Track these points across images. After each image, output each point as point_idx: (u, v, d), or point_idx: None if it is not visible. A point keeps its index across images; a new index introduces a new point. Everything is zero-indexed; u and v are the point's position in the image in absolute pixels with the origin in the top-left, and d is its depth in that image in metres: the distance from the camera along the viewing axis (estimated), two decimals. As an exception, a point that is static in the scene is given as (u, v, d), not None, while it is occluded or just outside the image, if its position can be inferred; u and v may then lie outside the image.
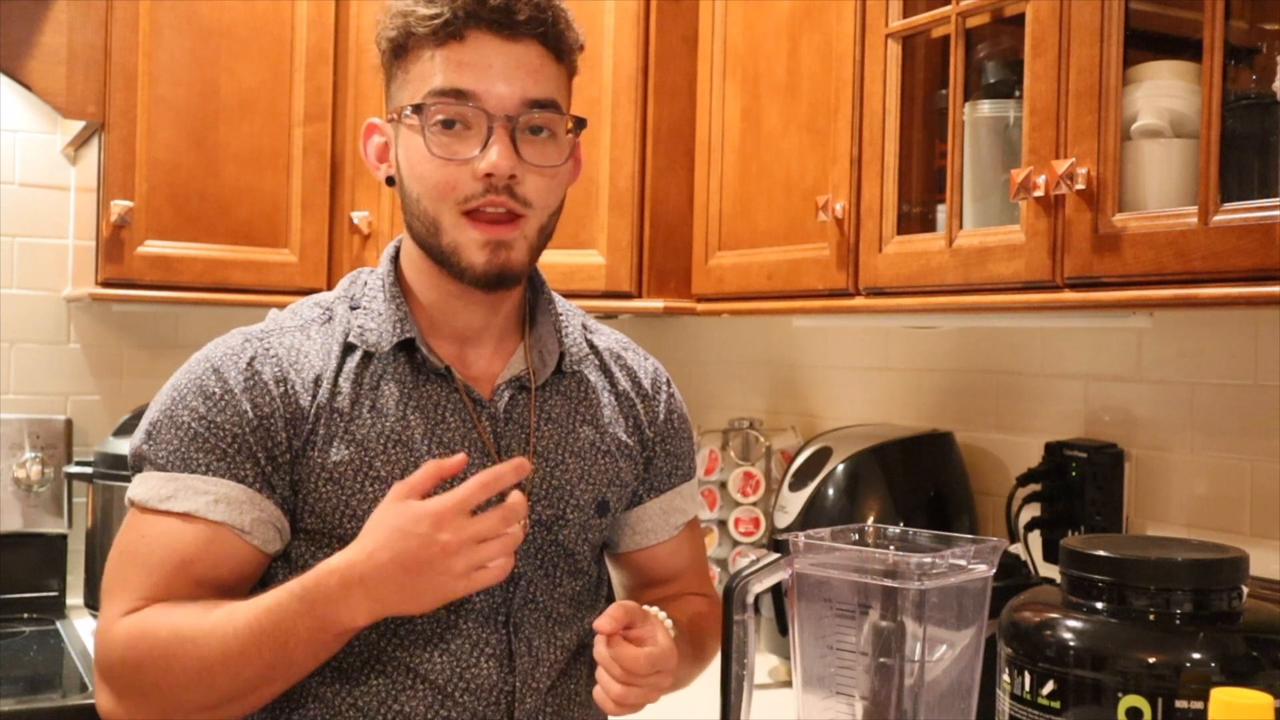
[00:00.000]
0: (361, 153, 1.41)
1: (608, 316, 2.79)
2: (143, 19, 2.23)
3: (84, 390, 2.58)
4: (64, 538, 2.51)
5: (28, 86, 2.23)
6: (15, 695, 2.02)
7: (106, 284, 2.24)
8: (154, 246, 2.24)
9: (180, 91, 2.26)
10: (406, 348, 1.34)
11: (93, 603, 2.36)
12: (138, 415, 2.40)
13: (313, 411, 1.29)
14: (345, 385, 1.31)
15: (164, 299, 2.28)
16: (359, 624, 1.19)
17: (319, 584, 1.18)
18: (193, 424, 1.26)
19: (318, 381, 1.30)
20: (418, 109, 1.29)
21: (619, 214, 2.29)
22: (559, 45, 1.32)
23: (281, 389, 1.29)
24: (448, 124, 1.28)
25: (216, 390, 1.27)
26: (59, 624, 2.41)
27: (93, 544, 2.38)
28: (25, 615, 2.45)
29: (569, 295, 2.36)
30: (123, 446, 2.33)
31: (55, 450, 2.48)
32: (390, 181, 1.37)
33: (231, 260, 2.27)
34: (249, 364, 1.29)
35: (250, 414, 1.27)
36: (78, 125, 2.37)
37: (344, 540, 1.25)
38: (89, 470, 2.37)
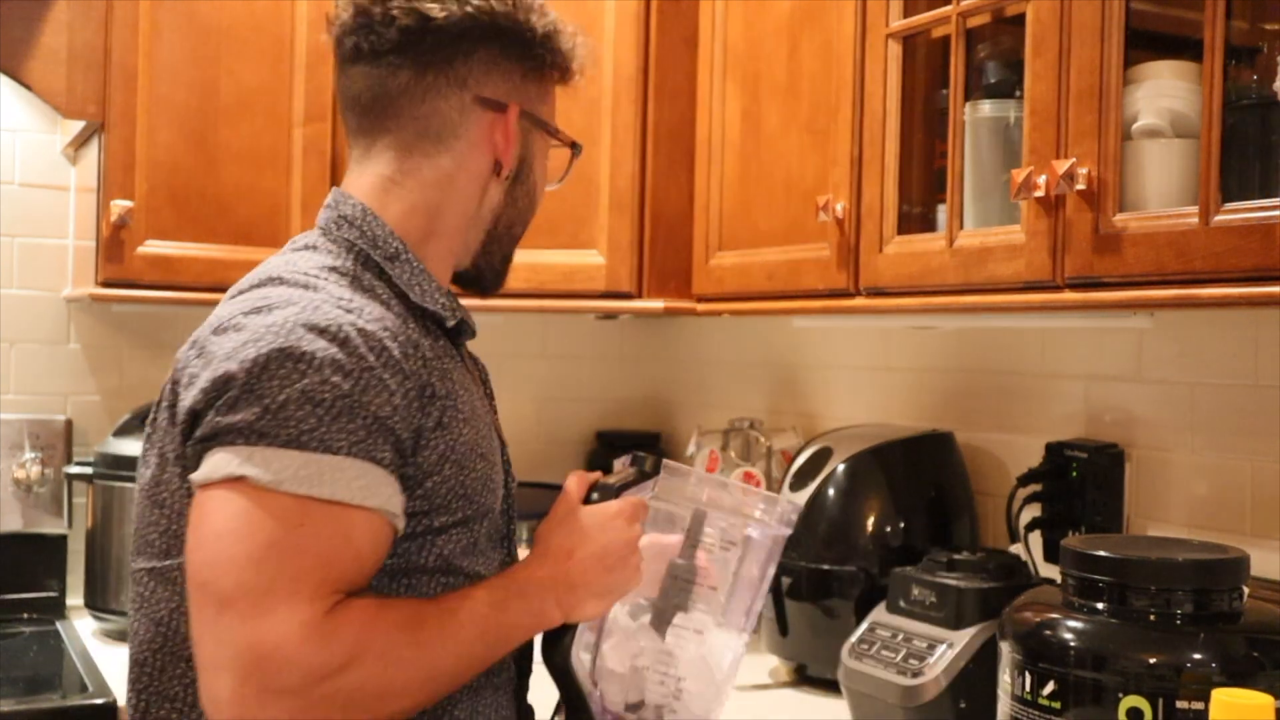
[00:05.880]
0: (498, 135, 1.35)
1: (608, 317, 2.79)
2: (143, 19, 2.23)
3: (84, 390, 2.57)
4: (64, 538, 2.51)
5: (28, 86, 2.22)
6: (15, 695, 2.02)
7: (106, 284, 2.24)
8: (154, 246, 2.24)
9: (180, 91, 2.26)
10: (434, 319, 1.31)
11: (93, 603, 2.36)
12: (138, 415, 2.40)
13: (430, 387, 1.21)
14: (434, 359, 1.24)
15: (164, 299, 2.28)
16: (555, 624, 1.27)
17: (530, 580, 1.24)
18: (336, 400, 1.12)
19: (422, 355, 1.22)
20: (575, 147, 1.41)
21: (619, 214, 2.29)
22: None
23: (410, 365, 1.19)
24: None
25: (354, 366, 1.14)
26: (59, 624, 2.41)
27: (93, 544, 2.37)
28: (25, 615, 2.45)
29: (569, 295, 2.38)
30: (123, 446, 2.33)
31: (55, 450, 2.47)
32: (497, 169, 1.35)
33: (231, 260, 2.26)
34: (375, 337, 1.17)
35: (394, 390, 1.16)
36: (78, 125, 2.36)
37: (437, 525, 1.22)
38: (89, 470, 2.37)
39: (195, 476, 1.13)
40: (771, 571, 1.40)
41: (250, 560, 1.08)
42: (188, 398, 1.17)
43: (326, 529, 1.11)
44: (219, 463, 1.11)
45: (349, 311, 1.18)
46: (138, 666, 1.24)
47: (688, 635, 1.36)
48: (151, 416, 1.27)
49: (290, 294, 1.20)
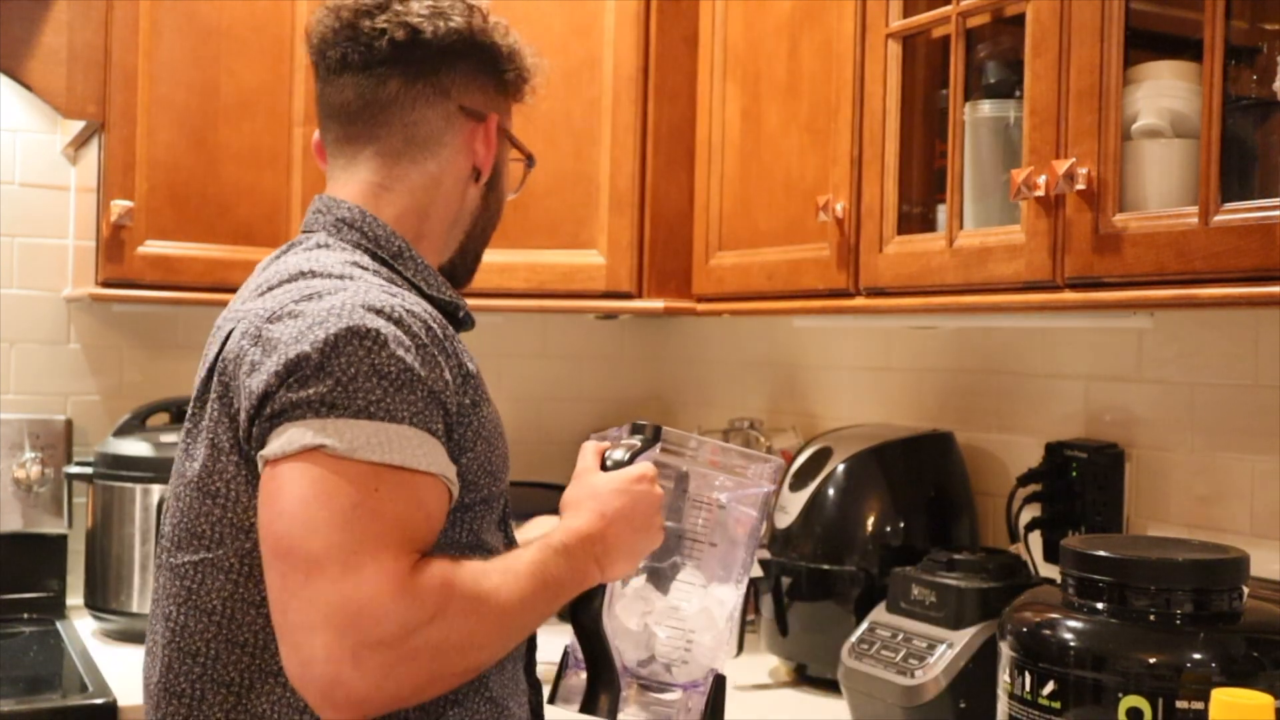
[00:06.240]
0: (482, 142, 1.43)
1: (608, 317, 2.79)
2: (143, 19, 2.23)
3: (84, 390, 2.57)
4: (64, 538, 2.51)
5: (28, 86, 2.22)
6: (15, 695, 2.02)
7: (106, 284, 2.24)
8: (154, 246, 2.24)
9: (180, 91, 2.26)
10: (443, 310, 1.37)
11: (93, 603, 2.36)
12: (138, 415, 2.40)
13: (464, 367, 1.28)
14: (458, 343, 1.31)
15: (164, 299, 2.28)
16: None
17: (572, 543, 1.27)
18: (401, 374, 1.18)
19: (452, 338, 1.29)
20: (530, 160, 1.49)
21: (619, 214, 2.29)
22: None
23: (450, 345, 1.26)
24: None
25: (411, 343, 1.20)
26: (59, 624, 2.41)
27: (93, 544, 2.37)
28: (25, 615, 2.45)
29: (569, 295, 2.38)
30: (123, 446, 2.33)
31: (55, 450, 2.47)
32: (475, 176, 1.43)
33: (231, 260, 2.27)
34: (421, 318, 1.24)
35: (444, 367, 1.23)
36: (78, 125, 2.36)
37: (467, 501, 1.27)
38: (89, 470, 2.37)
39: (267, 452, 1.16)
40: (762, 526, 1.45)
41: (335, 523, 1.12)
42: (254, 383, 1.19)
43: (400, 492, 1.16)
44: (293, 436, 1.15)
45: (393, 296, 1.24)
46: (190, 658, 1.25)
47: (690, 590, 1.41)
48: (191, 411, 1.30)
49: (332, 283, 1.25)
